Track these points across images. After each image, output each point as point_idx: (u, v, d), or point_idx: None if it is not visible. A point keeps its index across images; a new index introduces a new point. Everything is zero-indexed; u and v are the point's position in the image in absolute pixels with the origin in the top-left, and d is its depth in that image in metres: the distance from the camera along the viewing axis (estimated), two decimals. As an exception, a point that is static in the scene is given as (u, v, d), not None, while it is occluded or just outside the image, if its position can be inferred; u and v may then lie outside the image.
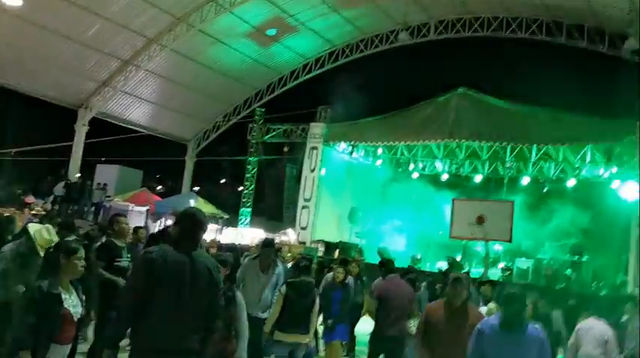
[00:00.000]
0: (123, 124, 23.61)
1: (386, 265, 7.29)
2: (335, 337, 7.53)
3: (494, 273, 17.62)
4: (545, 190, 19.96)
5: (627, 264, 15.94)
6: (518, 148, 19.06)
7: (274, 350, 5.79)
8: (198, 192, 25.12)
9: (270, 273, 6.44)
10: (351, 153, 21.12)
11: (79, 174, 20.83)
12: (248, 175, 23.57)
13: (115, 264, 6.03)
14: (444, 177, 21.79)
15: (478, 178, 21.17)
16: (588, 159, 18.40)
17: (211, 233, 20.37)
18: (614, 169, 18.37)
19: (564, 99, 16.06)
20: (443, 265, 18.17)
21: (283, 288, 5.84)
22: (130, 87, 21.96)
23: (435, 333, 4.64)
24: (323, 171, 20.45)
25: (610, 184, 18.68)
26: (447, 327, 4.59)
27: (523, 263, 17.98)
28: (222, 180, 29.49)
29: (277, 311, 5.75)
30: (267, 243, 6.76)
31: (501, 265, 18.28)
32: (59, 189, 19.66)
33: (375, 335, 6.84)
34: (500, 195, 19.78)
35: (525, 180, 20.15)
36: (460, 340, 4.46)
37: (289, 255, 13.00)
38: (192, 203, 20.95)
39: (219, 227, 21.39)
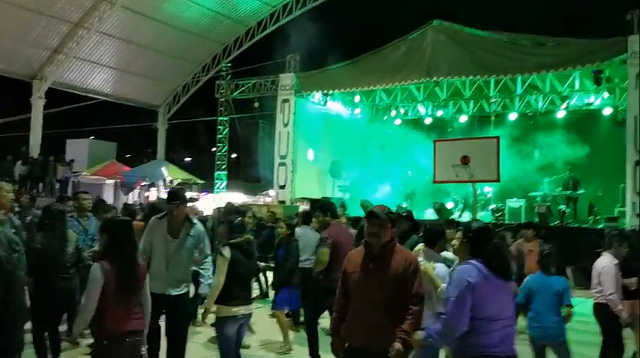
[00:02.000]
0: (85, 94, 22.25)
1: (327, 208, 6.25)
2: (279, 305, 6.48)
3: (485, 216, 16.78)
4: (532, 124, 18.84)
5: (624, 194, 15.05)
6: (502, 82, 17.83)
7: (224, 330, 4.69)
8: (173, 159, 24.02)
9: (183, 236, 5.06)
10: (326, 103, 19.84)
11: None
12: (220, 136, 22.33)
13: None
14: (428, 120, 20.69)
15: (463, 119, 20.02)
16: (577, 86, 17.18)
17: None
18: (605, 95, 17.32)
19: (546, 22, 14.78)
20: (430, 213, 17.46)
21: (227, 252, 4.72)
22: (84, 52, 20.50)
23: (353, 287, 3.51)
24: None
25: (602, 112, 17.72)
26: (365, 278, 3.44)
27: (515, 202, 17.08)
28: (198, 144, 28.29)
29: (222, 281, 4.67)
30: (175, 196, 5.18)
31: (492, 207, 17.37)
32: (20, 167, 18.52)
33: (324, 287, 5.62)
34: (488, 133, 18.66)
35: (513, 116, 19.05)
36: (379, 293, 3.37)
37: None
38: (163, 170, 19.94)
39: (195, 194, 20.30)
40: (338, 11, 21.41)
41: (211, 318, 4.89)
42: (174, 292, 4.99)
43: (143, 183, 21.19)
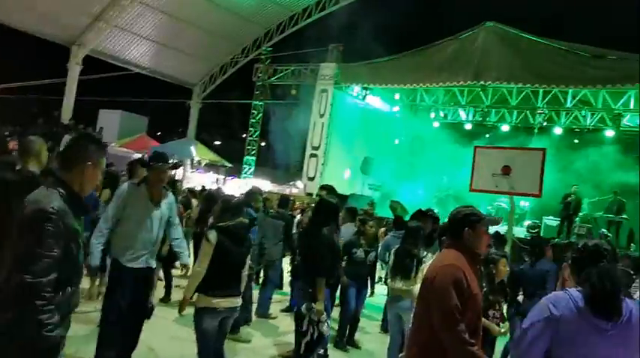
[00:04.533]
0: (121, 64, 22.05)
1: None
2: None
3: (520, 232, 16.00)
4: (578, 140, 18.00)
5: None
6: (551, 93, 17.01)
7: (202, 322, 4.14)
8: (203, 140, 23.67)
9: (162, 205, 4.58)
10: (365, 97, 19.21)
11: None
12: (253, 121, 21.90)
13: None
14: (468, 126, 19.95)
15: (505, 128, 19.25)
16: (632, 105, 16.26)
17: (212, 183, 19.01)
18: (662, 118, 16.42)
19: (611, 34, 13.90)
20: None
21: (213, 236, 4.14)
22: (125, 22, 20.28)
23: (479, 310, 2.82)
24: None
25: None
26: (480, 295, 2.91)
27: (552, 220, 16.31)
28: (230, 128, 27.94)
29: (204, 269, 4.11)
30: (161, 157, 4.57)
31: (527, 223, 16.59)
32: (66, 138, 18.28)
33: None
34: (529, 145, 17.86)
35: (558, 130, 18.22)
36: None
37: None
38: (192, 149, 19.61)
39: (222, 176, 19.92)
40: (386, 4, 20.71)
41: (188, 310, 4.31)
42: (153, 264, 4.66)
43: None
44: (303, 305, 4.65)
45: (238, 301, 4.31)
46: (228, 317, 4.29)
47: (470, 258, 2.83)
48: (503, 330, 4.39)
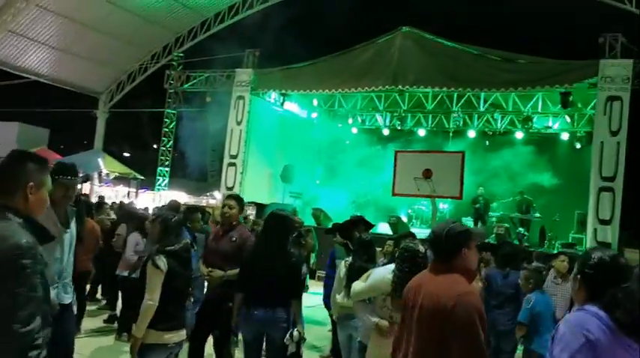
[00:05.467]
0: (17, 72, 20.24)
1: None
2: None
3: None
4: (489, 143, 18.61)
5: (581, 219, 14.89)
6: (465, 97, 17.44)
7: None
8: (111, 152, 22.27)
9: (72, 225, 3.83)
10: (283, 103, 18.82)
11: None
12: (166, 130, 20.80)
13: None
14: (385, 131, 20.10)
15: (422, 132, 19.55)
16: (540, 108, 16.97)
17: (123, 197, 17.88)
18: (568, 119, 17.33)
19: (518, 42, 14.45)
20: (385, 226, 16.72)
21: (163, 263, 3.60)
22: (21, 26, 18.62)
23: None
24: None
25: (560, 136, 17.74)
26: None
27: (471, 221, 16.68)
28: (141, 138, 26.57)
29: (157, 300, 3.58)
30: (68, 170, 3.74)
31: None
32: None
33: None
34: (445, 149, 18.30)
35: (472, 134, 18.74)
36: None
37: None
38: (99, 162, 18.36)
39: (134, 190, 18.77)
40: (301, 8, 20.49)
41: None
42: (66, 299, 3.77)
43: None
44: (295, 334, 4.16)
45: (184, 333, 3.79)
46: (176, 353, 3.78)
47: (468, 279, 2.49)
48: None
